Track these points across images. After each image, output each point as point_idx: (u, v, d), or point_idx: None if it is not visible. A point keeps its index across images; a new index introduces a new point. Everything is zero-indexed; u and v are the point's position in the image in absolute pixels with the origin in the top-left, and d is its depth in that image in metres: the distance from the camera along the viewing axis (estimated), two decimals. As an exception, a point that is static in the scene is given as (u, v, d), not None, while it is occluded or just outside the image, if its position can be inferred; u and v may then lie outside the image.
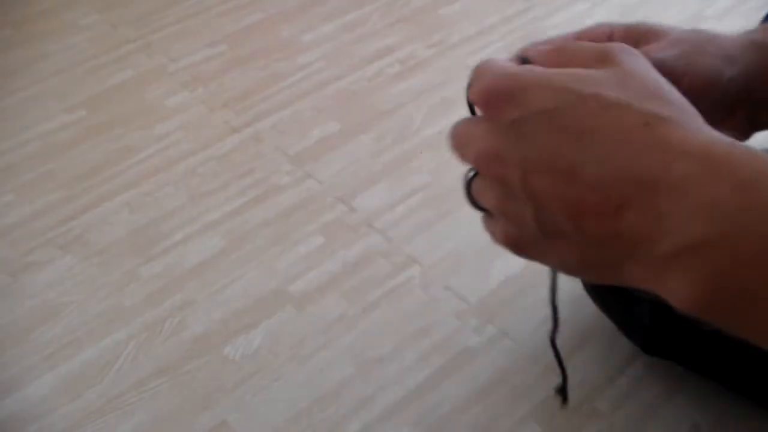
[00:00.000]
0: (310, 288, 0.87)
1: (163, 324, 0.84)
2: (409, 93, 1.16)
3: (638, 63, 0.30)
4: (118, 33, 1.35)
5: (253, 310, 0.85)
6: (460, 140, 0.32)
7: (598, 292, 0.72)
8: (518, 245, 0.31)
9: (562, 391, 0.50)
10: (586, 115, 0.28)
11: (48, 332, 0.84)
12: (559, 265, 0.31)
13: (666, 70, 0.36)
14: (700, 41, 0.40)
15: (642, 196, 0.26)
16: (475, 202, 0.34)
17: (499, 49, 1.23)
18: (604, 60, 0.30)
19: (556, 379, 0.75)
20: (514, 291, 0.84)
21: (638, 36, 0.40)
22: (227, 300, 0.86)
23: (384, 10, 1.36)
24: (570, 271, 0.31)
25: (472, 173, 0.33)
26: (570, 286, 0.81)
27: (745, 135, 0.43)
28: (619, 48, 0.31)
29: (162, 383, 0.78)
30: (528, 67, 0.31)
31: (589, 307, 0.76)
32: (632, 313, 0.68)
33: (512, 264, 0.87)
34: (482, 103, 0.30)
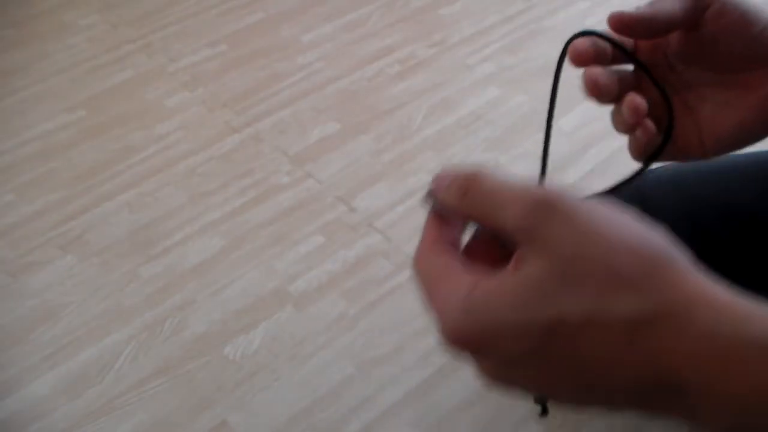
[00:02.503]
0: (310, 288, 0.87)
1: (163, 324, 0.84)
2: (409, 93, 1.16)
3: (571, 227, 0.26)
4: (118, 33, 1.35)
5: (253, 310, 0.85)
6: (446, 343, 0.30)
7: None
8: None
9: (542, 401, 0.49)
10: (562, 347, 0.26)
11: (48, 332, 0.84)
12: None
13: None
14: None
15: (660, 404, 0.26)
16: None
17: (499, 49, 1.23)
18: (527, 232, 0.26)
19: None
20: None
21: None
22: (227, 300, 0.86)
23: (384, 10, 1.36)
24: None
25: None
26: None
27: None
28: (543, 211, 0.26)
29: (162, 383, 0.78)
30: (475, 302, 0.27)
31: (589, 307, 0.76)
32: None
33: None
34: (451, 347, 0.28)
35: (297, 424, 0.73)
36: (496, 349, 0.27)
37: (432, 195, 0.30)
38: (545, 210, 0.26)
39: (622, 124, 0.42)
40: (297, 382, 0.77)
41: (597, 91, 0.41)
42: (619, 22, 0.40)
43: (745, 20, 0.39)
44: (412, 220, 0.94)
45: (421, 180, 1.00)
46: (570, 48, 0.42)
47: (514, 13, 1.32)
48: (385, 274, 0.87)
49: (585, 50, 0.41)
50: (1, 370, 0.81)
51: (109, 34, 1.35)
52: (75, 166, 1.07)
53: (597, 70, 0.41)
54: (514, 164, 1.01)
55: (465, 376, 0.76)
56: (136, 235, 0.95)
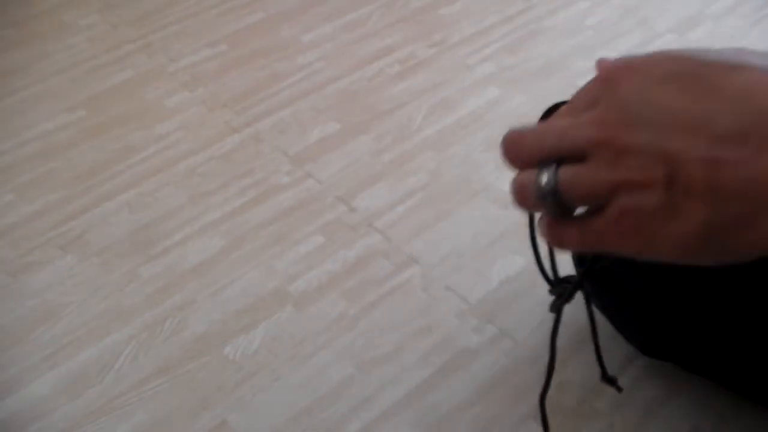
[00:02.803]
0: (310, 288, 0.87)
1: (163, 324, 0.84)
2: (409, 93, 1.16)
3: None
4: (118, 33, 1.35)
5: (253, 310, 0.85)
6: (553, 133, 0.31)
7: (597, 294, 0.72)
8: (639, 223, 0.30)
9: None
10: (714, 75, 0.28)
11: (48, 332, 0.84)
12: (678, 241, 0.29)
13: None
14: None
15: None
16: (561, 203, 0.32)
17: (499, 49, 1.23)
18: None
19: (556, 379, 0.75)
20: (514, 291, 0.84)
21: None
22: (227, 300, 0.86)
23: (384, 10, 1.36)
24: (686, 249, 0.29)
25: (550, 172, 0.31)
26: (570, 286, 0.81)
27: None
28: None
29: (162, 383, 0.78)
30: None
31: (589, 307, 0.76)
32: (630, 315, 0.68)
33: (512, 264, 0.87)
34: (605, 76, 0.31)
35: (297, 424, 0.74)
36: (646, 68, 0.30)
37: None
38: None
39: None
40: (297, 382, 0.77)
41: None
42: None
43: None
44: (412, 220, 0.94)
45: (421, 180, 1.00)
46: None
47: (514, 13, 1.32)
48: (385, 274, 0.87)
49: None
50: (1, 370, 0.81)
51: (109, 34, 1.35)
52: (75, 166, 1.07)
53: None
54: (514, 164, 1.00)
55: (465, 377, 0.76)
56: (136, 235, 0.95)
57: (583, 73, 1.15)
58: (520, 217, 0.92)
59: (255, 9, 1.39)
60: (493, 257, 0.88)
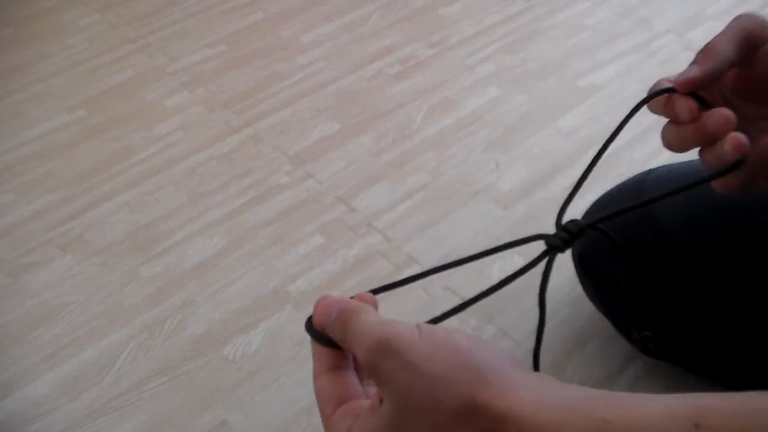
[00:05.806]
0: (310, 288, 0.87)
1: (163, 324, 0.84)
2: (409, 93, 1.16)
3: (401, 362, 0.31)
4: (118, 33, 1.35)
5: (252, 310, 0.85)
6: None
7: (598, 294, 0.72)
8: None
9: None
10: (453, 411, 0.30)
11: (48, 332, 0.84)
12: None
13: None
14: None
15: None
16: None
17: (499, 49, 1.23)
18: (369, 368, 0.32)
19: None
20: (513, 291, 0.84)
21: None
22: (227, 300, 0.86)
23: (384, 10, 1.36)
24: None
25: None
26: (570, 287, 0.82)
27: None
28: (380, 349, 0.31)
29: (162, 383, 0.78)
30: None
31: (589, 307, 0.76)
32: (629, 315, 0.68)
33: (512, 264, 0.87)
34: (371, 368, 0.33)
35: (297, 424, 0.74)
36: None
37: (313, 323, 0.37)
38: (380, 348, 0.31)
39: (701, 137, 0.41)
40: (297, 382, 0.77)
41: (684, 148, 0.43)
42: (690, 86, 0.40)
43: None
44: (412, 220, 0.94)
45: (421, 180, 1.00)
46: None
47: (514, 13, 1.32)
48: (385, 274, 0.87)
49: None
50: (1, 370, 0.81)
51: (109, 34, 1.35)
52: (75, 166, 1.07)
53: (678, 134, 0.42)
54: (515, 164, 1.01)
55: (465, 376, 0.76)
56: (135, 235, 0.95)
57: (584, 73, 1.15)
58: (520, 217, 0.92)
59: (255, 9, 1.39)
60: (493, 257, 0.88)
